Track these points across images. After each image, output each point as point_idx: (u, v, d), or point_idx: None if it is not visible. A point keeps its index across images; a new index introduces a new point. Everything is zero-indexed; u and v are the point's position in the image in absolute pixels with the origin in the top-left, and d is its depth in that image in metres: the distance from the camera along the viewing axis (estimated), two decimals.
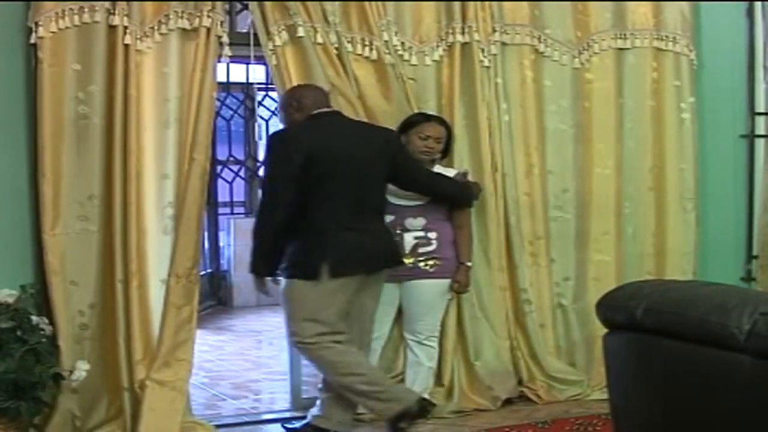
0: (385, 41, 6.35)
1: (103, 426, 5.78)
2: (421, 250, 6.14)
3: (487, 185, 6.55)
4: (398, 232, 6.11)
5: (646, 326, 3.94)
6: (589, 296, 6.75)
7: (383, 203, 5.87)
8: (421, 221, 6.14)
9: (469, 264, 6.28)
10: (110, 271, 5.77)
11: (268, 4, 6.12)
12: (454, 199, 6.23)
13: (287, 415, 6.38)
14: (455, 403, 6.43)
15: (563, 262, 6.93)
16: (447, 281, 6.23)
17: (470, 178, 6.42)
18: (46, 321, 5.49)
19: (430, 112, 6.38)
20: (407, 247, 6.12)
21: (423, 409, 5.71)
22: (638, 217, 7.10)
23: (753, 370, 3.45)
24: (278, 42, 6.13)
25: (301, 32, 6.11)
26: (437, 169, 6.28)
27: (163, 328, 5.87)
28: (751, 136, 7.44)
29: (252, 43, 6.24)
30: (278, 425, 6.24)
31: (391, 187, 5.97)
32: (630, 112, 7.03)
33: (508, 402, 6.61)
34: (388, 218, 6.08)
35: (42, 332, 5.38)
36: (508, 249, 6.68)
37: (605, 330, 4.30)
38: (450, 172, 6.30)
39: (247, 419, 6.35)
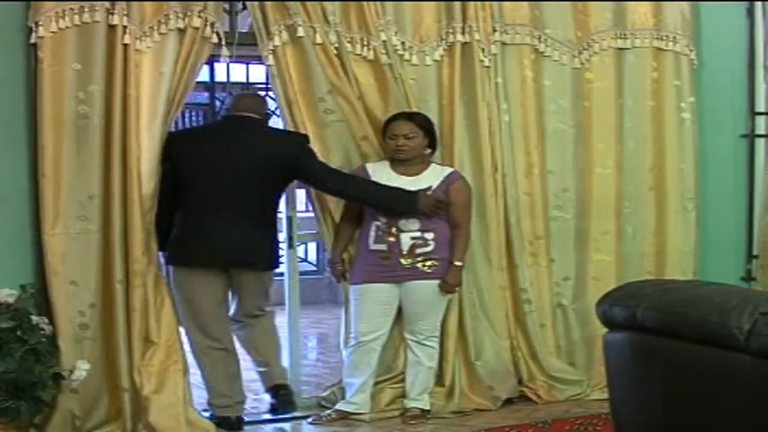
0: (383, 41, 6.34)
1: (103, 426, 5.79)
2: (418, 251, 6.15)
3: (487, 185, 6.57)
4: (394, 232, 6.12)
5: (646, 326, 3.95)
6: (589, 296, 6.75)
7: (258, 207, 6.07)
8: (415, 222, 6.15)
9: (459, 264, 6.25)
10: (110, 271, 5.77)
11: (267, 3, 6.11)
12: (378, 207, 6.21)
13: (287, 415, 6.38)
14: (456, 403, 6.43)
15: (563, 262, 6.93)
16: None
17: (469, 178, 6.44)
18: (46, 321, 5.49)
19: (407, 110, 6.33)
20: (404, 248, 6.14)
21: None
22: (638, 217, 7.10)
23: (753, 370, 3.45)
24: (278, 42, 6.12)
25: (300, 32, 6.11)
26: (432, 168, 6.27)
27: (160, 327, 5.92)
28: (751, 136, 7.44)
29: (230, 42, 6.22)
30: (277, 425, 6.25)
31: None
32: (630, 112, 7.03)
33: (508, 402, 6.61)
34: (382, 220, 6.10)
35: (42, 332, 5.39)
36: (508, 249, 6.69)
37: (605, 330, 4.31)
38: (445, 172, 6.29)
39: (247, 419, 6.34)
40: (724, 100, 7.39)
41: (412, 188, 6.15)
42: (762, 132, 7.44)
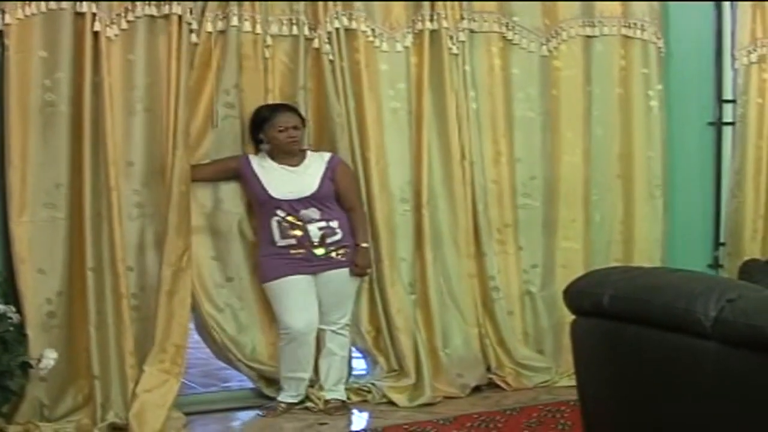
0: (334, 29, 6.29)
1: (71, 414, 5.76)
2: (329, 240, 6.11)
3: (455, 173, 6.58)
4: (300, 225, 6.07)
5: (613, 313, 3.97)
6: (557, 283, 6.76)
7: None
8: (315, 212, 6.08)
9: (365, 245, 6.22)
10: (78, 259, 5.75)
11: None
12: None
13: (255, 402, 6.37)
14: (428, 396, 6.37)
15: (531, 250, 6.94)
16: None
17: (437, 165, 6.45)
18: (14, 309, 5.45)
19: (279, 102, 6.21)
20: (315, 239, 6.09)
21: None
22: (606, 205, 7.12)
23: (719, 357, 3.47)
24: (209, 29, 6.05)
25: (234, 21, 6.06)
26: (310, 155, 6.17)
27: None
28: (718, 124, 7.48)
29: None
30: (246, 413, 6.23)
31: (265, 184, 6.09)
32: (598, 100, 7.05)
33: (477, 389, 6.62)
34: (281, 215, 6.05)
35: (9, 321, 5.35)
36: (476, 236, 6.70)
37: (573, 317, 4.32)
38: (326, 157, 6.18)
39: (215, 407, 6.33)
40: (692, 87, 7.42)
41: (302, 177, 6.10)
42: (729, 119, 7.48)
